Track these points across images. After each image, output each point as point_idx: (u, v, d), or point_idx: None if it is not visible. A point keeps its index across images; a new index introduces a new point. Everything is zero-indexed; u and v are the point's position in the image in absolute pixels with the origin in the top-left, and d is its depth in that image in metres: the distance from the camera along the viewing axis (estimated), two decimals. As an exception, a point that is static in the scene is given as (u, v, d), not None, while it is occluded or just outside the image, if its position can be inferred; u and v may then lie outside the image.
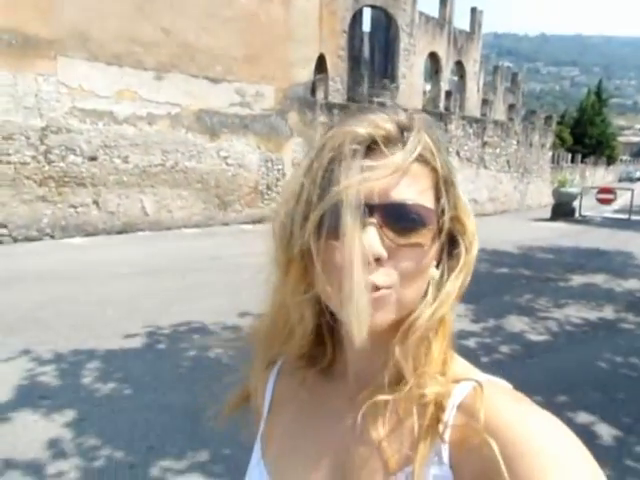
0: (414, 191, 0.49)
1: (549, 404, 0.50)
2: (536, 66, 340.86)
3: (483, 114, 17.91)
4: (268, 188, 12.09)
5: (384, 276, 0.48)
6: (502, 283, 7.06)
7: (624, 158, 63.73)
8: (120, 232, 9.81)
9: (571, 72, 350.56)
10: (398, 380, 0.51)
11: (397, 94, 16.15)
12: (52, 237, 9.01)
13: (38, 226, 8.87)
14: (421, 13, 17.49)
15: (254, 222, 11.69)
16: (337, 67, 13.82)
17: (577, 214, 15.96)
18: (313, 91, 12.53)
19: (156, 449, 2.74)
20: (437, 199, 0.51)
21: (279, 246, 0.53)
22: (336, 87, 13.37)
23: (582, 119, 39.20)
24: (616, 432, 3.05)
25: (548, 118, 21.83)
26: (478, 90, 22.11)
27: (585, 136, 37.75)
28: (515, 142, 18.91)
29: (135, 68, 9.81)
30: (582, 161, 30.91)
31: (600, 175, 35.98)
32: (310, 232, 0.49)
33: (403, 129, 0.50)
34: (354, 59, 16.81)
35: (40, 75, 8.64)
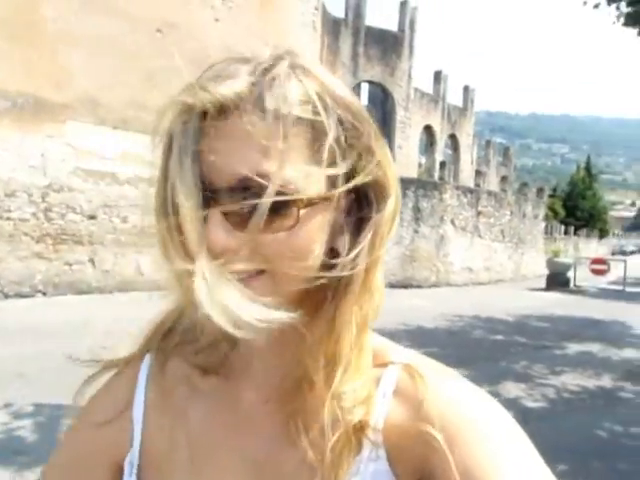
0: (266, 161, 0.39)
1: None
2: (528, 143, 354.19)
3: (477, 185, 18.43)
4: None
5: (243, 264, 0.41)
6: (497, 349, 6.97)
7: (617, 232, 64.81)
8: (114, 291, 9.75)
9: (561, 149, 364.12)
10: (308, 375, 0.45)
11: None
12: (44, 294, 8.94)
13: (31, 282, 8.83)
14: (416, 89, 18.43)
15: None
16: (335, 137, 14.30)
17: (572, 284, 15.99)
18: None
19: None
20: (332, 159, 0.42)
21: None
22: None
23: (573, 193, 40.29)
24: (618, 502, 2.92)
25: (540, 190, 22.45)
26: (472, 162, 22.90)
27: (577, 209, 38.62)
28: (509, 212, 19.27)
29: (141, 132, 10.19)
30: (575, 233, 31.36)
31: (593, 248, 36.32)
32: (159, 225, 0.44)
33: (259, 82, 0.41)
34: (352, 130, 17.48)
35: (49, 137, 8.95)
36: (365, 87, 16.62)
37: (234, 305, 0.39)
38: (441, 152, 21.04)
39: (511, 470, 0.40)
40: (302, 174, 0.40)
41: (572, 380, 5.59)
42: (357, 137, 0.43)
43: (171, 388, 0.54)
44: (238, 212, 0.40)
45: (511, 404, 4.64)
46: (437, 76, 21.36)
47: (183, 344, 0.54)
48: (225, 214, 0.40)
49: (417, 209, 14.49)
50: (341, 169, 0.42)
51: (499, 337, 7.82)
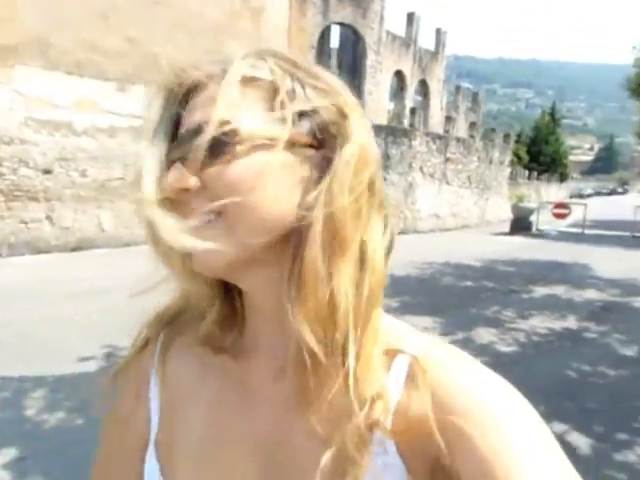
0: (214, 115, 0.43)
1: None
2: (493, 88, 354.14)
3: (446, 131, 18.36)
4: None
5: (197, 202, 0.44)
6: (467, 296, 7.12)
7: (575, 176, 66.60)
8: (75, 249, 9.40)
9: (526, 94, 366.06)
10: (312, 352, 0.44)
11: (363, 110, 16.37)
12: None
13: (-13, 241, 8.40)
14: (388, 32, 17.86)
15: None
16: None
17: (534, 228, 16.43)
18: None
19: None
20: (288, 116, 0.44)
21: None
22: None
23: (537, 138, 40.81)
24: (591, 441, 3.05)
25: (506, 136, 22.57)
26: (441, 108, 22.70)
27: (540, 154, 39.27)
28: (476, 159, 19.38)
29: (97, 78, 9.54)
30: (537, 178, 32.03)
31: (554, 191, 37.30)
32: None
33: (226, 65, 0.47)
34: (320, 75, 16.93)
35: (-6, 83, 8.27)
36: (336, 30, 15.97)
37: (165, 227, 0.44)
38: (411, 98, 20.71)
39: (527, 457, 0.39)
40: (248, 118, 0.44)
41: (540, 323, 5.78)
42: (307, 84, 0.46)
43: (183, 371, 0.55)
44: (193, 159, 0.44)
45: (484, 350, 4.77)
46: (410, 18, 20.61)
47: (192, 325, 0.55)
48: (183, 161, 0.44)
49: (387, 156, 14.36)
50: (288, 113, 0.44)
51: (468, 283, 7.99)
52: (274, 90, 0.45)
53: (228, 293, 0.53)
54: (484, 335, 5.26)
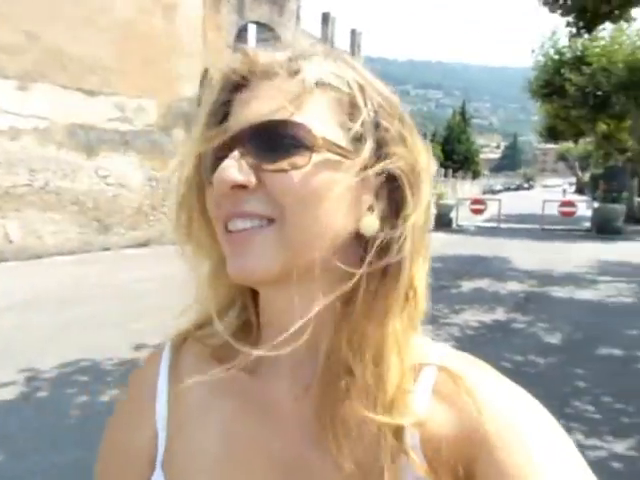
0: (288, 112, 0.41)
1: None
2: (406, 89, 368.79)
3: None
4: (153, 209, 11.37)
5: (253, 206, 0.42)
6: (401, 293, 7.26)
7: (485, 173, 70.97)
8: (-21, 262, 8.51)
9: (436, 95, 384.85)
10: (347, 370, 0.44)
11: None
12: None
13: None
14: (303, 31, 17.89)
15: (139, 245, 10.89)
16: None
17: (454, 224, 17.21)
18: (199, 106, 12.14)
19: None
20: (360, 135, 0.43)
21: (179, 203, 0.48)
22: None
23: (450, 137, 42.99)
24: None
25: (424, 136, 23.52)
26: (359, 109, 23.18)
27: (454, 153, 41.43)
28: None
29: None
30: (453, 176, 33.73)
31: (467, 188, 39.41)
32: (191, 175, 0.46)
33: (295, 58, 0.45)
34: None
35: None
36: (253, 29, 15.72)
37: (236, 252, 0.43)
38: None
39: (552, 475, 0.39)
40: (323, 125, 0.42)
41: (471, 317, 5.99)
42: (388, 121, 0.45)
43: (193, 384, 0.50)
44: (255, 153, 0.42)
45: (423, 346, 4.84)
46: (325, 18, 20.74)
47: (205, 337, 0.53)
48: (243, 156, 0.42)
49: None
50: (369, 144, 0.43)
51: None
52: (351, 105, 0.44)
53: (244, 305, 0.52)
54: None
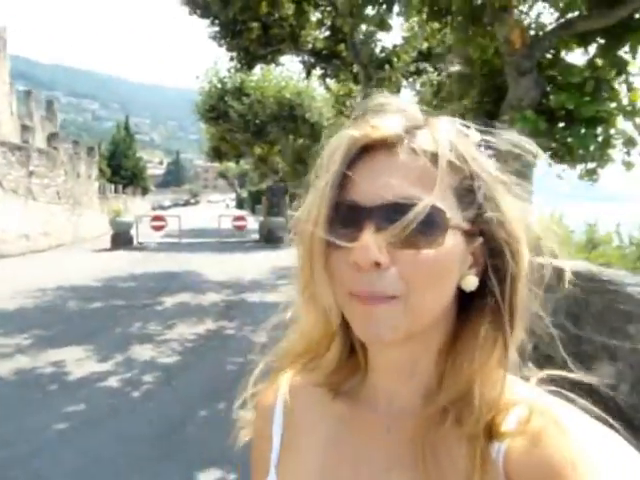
0: (418, 190, 0.44)
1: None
2: (55, 95, 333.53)
3: (25, 141, 16.39)
4: None
5: (384, 286, 0.44)
6: (105, 317, 6.86)
7: (153, 189, 71.22)
8: None
9: (91, 105, 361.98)
10: (444, 408, 0.48)
11: None
12: None
13: None
14: None
15: None
16: None
17: (135, 242, 16.83)
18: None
19: None
20: (467, 202, 0.47)
21: (304, 246, 0.49)
22: None
23: (116, 152, 41.48)
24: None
25: (91, 149, 22.10)
26: (12, 113, 19.98)
27: (121, 168, 40.10)
28: (63, 172, 18.19)
29: None
30: (123, 192, 32.64)
31: (138, 204, 38.76)
32: (319, 236, 0.47)
33: (411, 128, 0.48)
34: None
35: None
36: None
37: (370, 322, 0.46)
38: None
39: None
40: (447, 205, 0.45)
41: (187, 330, 6.20)
42: (486, 188, 0.48)
43: (303, 410, 0.58)
44: (389, 231, 0.43)
45: (151, 366, 4.81)
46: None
47: (314, 368, 0.58)
48: (377, 232, 0.44)
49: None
50: (472, 210, 0.47)
51: (98, 304, 7.63)
52: (467, 180, 0.47)
53: (348, 340, 0.56)
54: (143, 352, 5.26)
